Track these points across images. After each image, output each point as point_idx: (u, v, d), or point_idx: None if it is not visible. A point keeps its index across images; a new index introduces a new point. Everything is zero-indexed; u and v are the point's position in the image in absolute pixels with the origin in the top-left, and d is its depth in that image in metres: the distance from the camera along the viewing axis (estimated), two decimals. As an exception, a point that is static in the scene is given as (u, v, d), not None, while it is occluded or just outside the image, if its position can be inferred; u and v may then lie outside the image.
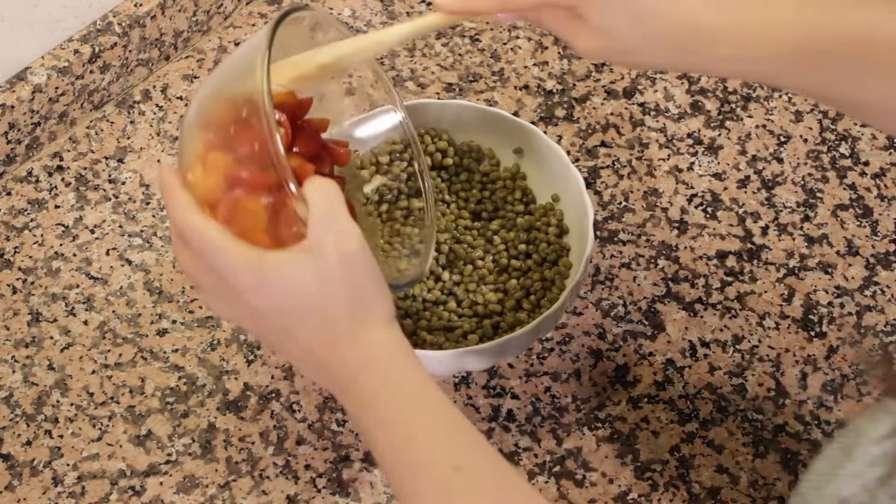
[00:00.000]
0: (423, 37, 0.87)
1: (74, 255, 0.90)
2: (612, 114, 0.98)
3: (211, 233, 0.58)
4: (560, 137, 0.96)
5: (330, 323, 0.57)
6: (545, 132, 0.94)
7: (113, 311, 0.87)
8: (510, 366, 0.84)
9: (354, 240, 0.58)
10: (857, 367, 0.83)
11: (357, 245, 0.58)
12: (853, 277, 0.89)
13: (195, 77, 1.00)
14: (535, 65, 1.01)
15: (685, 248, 0.90)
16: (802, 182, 0.94)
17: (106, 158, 0.95)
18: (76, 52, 0.94)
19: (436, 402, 0.57)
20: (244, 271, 0.57)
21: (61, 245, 0.90)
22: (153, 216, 0.92)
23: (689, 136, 0.97)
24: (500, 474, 0.56)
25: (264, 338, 0.59)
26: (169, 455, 0.80)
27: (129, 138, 0.97)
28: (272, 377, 0.84)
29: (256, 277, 0.57)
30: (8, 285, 0.88)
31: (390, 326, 0.59)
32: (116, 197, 0.93)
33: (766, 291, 0.88)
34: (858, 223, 0.92)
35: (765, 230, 0.91)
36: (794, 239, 0.91)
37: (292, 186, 0.58)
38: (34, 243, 0.90)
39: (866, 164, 0.95)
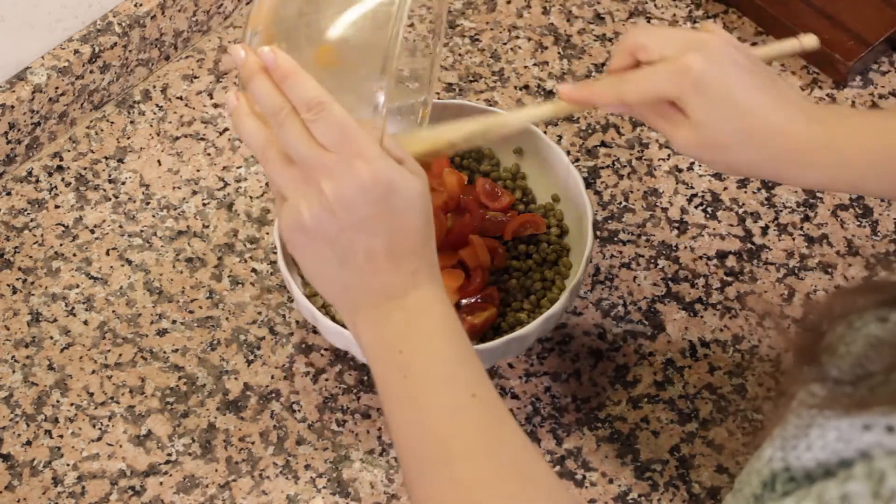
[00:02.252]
0: (544, 122, 0.96)
1: (74, 255, 0.90)
2: (611, 114, 0.98)
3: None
4: (560, 137, 0.96)
5: (412, 239, 0.62)
6: (545, 132, 0.94)
7: (113, 311, 0.87)
8: (510, 366, 0.84)
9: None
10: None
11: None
12: (853, 277, 0.89)
13: (195, 77, 1.00)
14: (535, 65, 1.01)
15: (685, 248, 0.90)
16: (802, 182, 0.94)
17: (106, 158, 0.95)
18: (76, 52, 0.94)
19: (467, 343, 0.63)
20: (388, 168, 0.61)
21: (61, 245, 0.90)
22: (153, 216, 0.92)
23: (689, 136, 0.97)
24: (503, 409, 0.61)
25: (348, 218, 0.61)
26: (169, 455, 0.80)
27: (129, 138, 0.97)
28: (272, 377, 0.84)
29: (394, 176, 0.61)
30: (8, 285, 0.88)
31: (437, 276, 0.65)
32: (116, 197, 0.93)
33: (766, 291, 0.88)
34: (858, 223, 0.92)
35: (765, 230, 0.91)
36: (794, 239, 0.91)
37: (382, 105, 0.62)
38: (34, 243, 0.90)
39: (866, 164, 0.95)
